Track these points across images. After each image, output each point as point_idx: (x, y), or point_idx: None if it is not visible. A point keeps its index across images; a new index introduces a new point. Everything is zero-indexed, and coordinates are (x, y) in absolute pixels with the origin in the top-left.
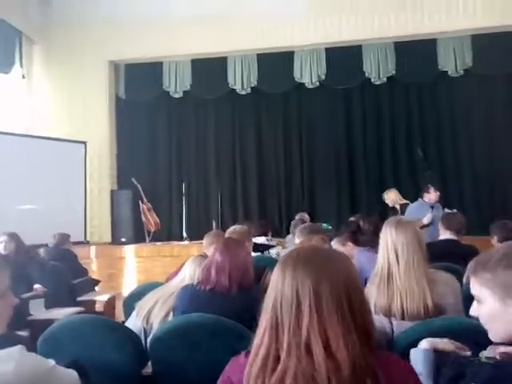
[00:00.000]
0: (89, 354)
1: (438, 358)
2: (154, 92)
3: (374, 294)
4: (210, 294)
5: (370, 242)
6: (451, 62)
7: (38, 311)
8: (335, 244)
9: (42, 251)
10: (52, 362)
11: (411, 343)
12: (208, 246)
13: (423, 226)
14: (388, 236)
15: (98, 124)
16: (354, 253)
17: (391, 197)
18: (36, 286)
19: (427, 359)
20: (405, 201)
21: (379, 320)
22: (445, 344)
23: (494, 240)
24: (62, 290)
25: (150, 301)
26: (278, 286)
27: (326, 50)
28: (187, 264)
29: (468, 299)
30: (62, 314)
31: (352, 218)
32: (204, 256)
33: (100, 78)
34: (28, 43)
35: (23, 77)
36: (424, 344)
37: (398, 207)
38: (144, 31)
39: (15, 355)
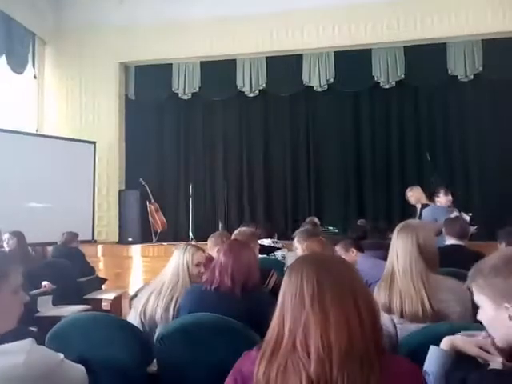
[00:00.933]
0: (95, 350)
1: (456, 362)
2: (163, 93)
3: (378, 295)
4: (215, 294)
5: (376, 247)
6: (461, 67)
7: (46, 308)
8: (339, 250)
9: (50, 249)
10: (61, 355)
11: (416, 347)
12: (212, 247)
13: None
14: (393, 239)
15: (107, 124)
16: (356, 259)
17: (415, 194)
18: (44, 283)
19: (441, 361)
20: (427, 201)
21: (383, 322)
22: (469, 347)
23: (502, 246)
24: (69, 288)
25: (144, 295)
26: (285, 284)
27: (335, 53)
28: (174, 253)
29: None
30: (69, 311)
31: (359, 222)
32: (209, 257)
33: (110, 79)
34: (41, 44)
35: (35, 77)
36: (445, 343)
37: (419, 206)
38: (154, 34)
39: (26, 348)
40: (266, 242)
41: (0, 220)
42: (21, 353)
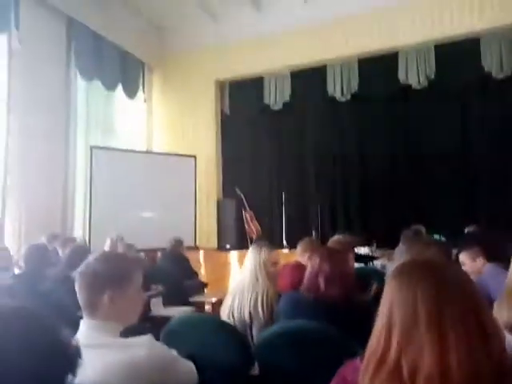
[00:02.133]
0: (203, 349)
1: None
2: (256, 106)
3: (499, 311)
4: (315, 303)
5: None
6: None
7: (158, 308)
8: (465, 257)
9: (159, 254)
10: (175, 351)
11: None
12: (302, 254)
13: None
14: None
15: (205, 139)
16: (483, 268)
17: None
18: (154, 286)
19: None
20: None
21: (507, 343)
22: None
23: None
24: (176, 291)
25: (229, 299)
26: (394, 294)
27: (436, 47)
28: (249, 254)
29: None
30: (177, 311)
31: (468, 229)
32: (298, 263)
33: (207, 96)
34: (149, 71)
35: (144, 100)
36: None
37: None
38: (245, 49)
39: (147, 343)
40: (363, 250)
41: (117, 228)
42: (143, 347)
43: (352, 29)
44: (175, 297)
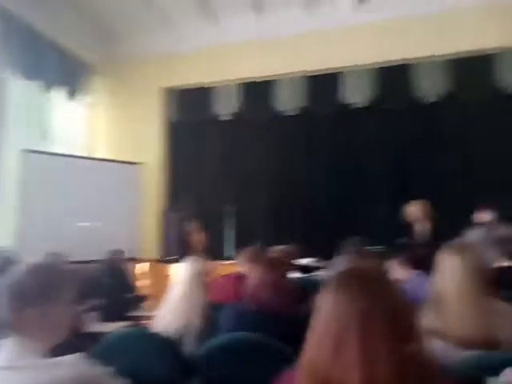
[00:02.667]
0: (138, 365)
1: None
2: (204, 115)
3: (427, 319)
4: (258, 314)
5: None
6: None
7: (92, 324)
8: (396, 266)
9: (96, 266)
10: (108, 369)
11: (468, 374)
12: (244, 264)
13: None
14: (443, 259)
15: (151, 147)
16: (408, 276)
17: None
18: (90, 300)
19: None
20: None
21: (432, 348)
22: None
23: None
24: (112, 305)
25: (162, 312)
26: (329, 303)
27: (377, 69)
28: (182, 266)
29: None
30: (113, 327)
31: (401, 240)
32: (239, 274)
33: (155, 103)
34: (93, 73)
35: (87, 104)
36: (508, 374)
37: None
38: (196, 59)
39: (76, 362)
40: (306, 261)
41: (53, 239)
42: (70, 366)
43: (300, 47)
44: (112, 311)
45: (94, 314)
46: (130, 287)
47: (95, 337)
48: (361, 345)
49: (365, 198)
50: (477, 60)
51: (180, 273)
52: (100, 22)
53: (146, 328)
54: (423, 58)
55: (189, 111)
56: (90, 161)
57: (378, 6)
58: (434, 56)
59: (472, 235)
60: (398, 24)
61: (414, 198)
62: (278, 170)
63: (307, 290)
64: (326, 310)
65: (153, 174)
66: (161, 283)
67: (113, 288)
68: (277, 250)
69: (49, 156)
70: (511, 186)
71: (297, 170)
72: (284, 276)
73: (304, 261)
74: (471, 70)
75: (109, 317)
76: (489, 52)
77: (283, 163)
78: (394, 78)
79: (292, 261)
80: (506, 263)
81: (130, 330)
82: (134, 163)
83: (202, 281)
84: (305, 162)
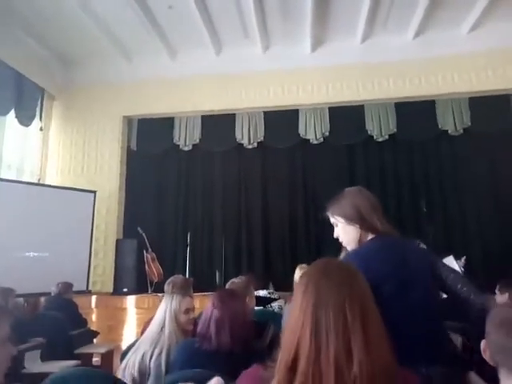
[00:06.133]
0: None
1: None
2: (165, 145)
3: None
4: (210, 351)
5: None
6: (450, 122)
7: (34, 364)
8: None
9: (43, 300)
10: None
11: None
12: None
13: None
14: None
15: (108, 174)
16: None
17: None
18: (33, 338)
19: None
20: None
21: None
22: None
23: (504, 298)
24: (59, 342)
25: (133, 349)
26: (299, 295)
27: (330, 108)
28: (161, 302)
29: None
30: (57, 367)
31: None
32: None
33: (113, 131)
34: (49, 99)
35: (41, 129)
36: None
37: None
38: (157, 89)
39: None
40: (262, 292)
41: None
42: None
43: (258, 84)
44: (58, 349)
45: (36, 352)
46: (80, 322)
47: (36, 379)
48: (339, 332)
49: (319, 227)
50: (419, 104)
51: (158, 311)
52: (59, 49)
53: (94, 368)
54: (372, 100)
55: (149, 140)
56: (40, 187)
57: (334, 51)
58: (382, 99)
59: None
60: (350, 68)
61: None
62: (235, 200)
63: (262, 323)
64: (315, 300)
65: (109, 202)
66: (114, 317)
67: (59, 323)
68: (233, 281)
69: None
70: None
71: (254, 200)
72: (237, 309)
73: (261, 292)
74: (414, 112)
75: (54, 355)
76: (429, 98)
77: (241, 193)
78: (345, 116)
79: (247, 292)
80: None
81: (76, 370)
82: (88, 191)
83: (180, 320)
84: (261, 193)
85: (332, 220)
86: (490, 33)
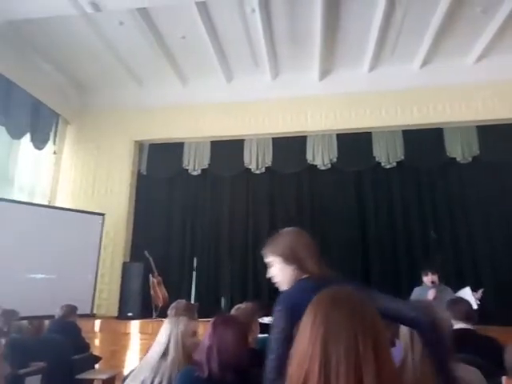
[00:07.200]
0: None
1: None
2: (174, 169)
3: None
4: (204, 381)
5: None
6: (458, 150)
7: None
8: None
9: (47, 323)
10: None
11: None
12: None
13: None
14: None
15: (118, 198)
16: None
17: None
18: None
19: None
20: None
21: None
22: None
23: None
24: (61, 366)
25: (136, 375)
26: (308, 325)
27: (338, 135)
28: (164, 325)
29: None
30: None
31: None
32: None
33: (124, 155)
34: (63, 123)
35: (54, 153)
36: None
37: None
38: (168, 115)
39: None
40: (267, 319)
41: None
42: None
43: (267, 111)
44: (59, 374)
45: (37, 377)
46: (83, 346)
47: None
48: (351, 365)
49: (328, 253)
50: (427, 132)
51: (161, 334)
52: (74, 75)
53: None
54: (380, 127)
55: (159, 165)
56: (50, 209)
57: (342, 79)
58: (390, 126)
59: (418, 294)
60: (358, 96)
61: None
62: (243, 225)
63: (264, 351)
64: (325, 332)
65: (117, 226)
66: (117, 342)
67: (61, 347)
68: (238, 307)
69: (8, 203)
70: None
71: (261, 225)
72: (227, 337)
73: (266, 319)
74: (422, 140)
75: (54, 380)
76: (437, 126)
77: (249, 218)
78: (353, 143)
79: (252, 319)
80: (458, 325)
81: None
82: (97, 213)
83: (186, 343)
84: (269, 217)
85: (268, 260)
86: (496, 63)
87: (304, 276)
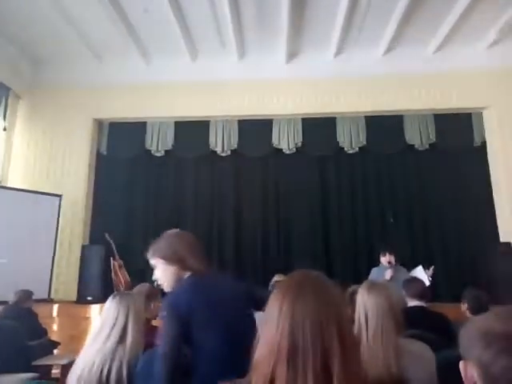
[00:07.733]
0: None
1: None
2: (136, 150)
3: None
4: None
5: None
6: (417, 137)
7: None
8: None
9: (0, 309)
10: None
11: None
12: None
13: None
14: (360, 299)
15: (75, 178)
16: None
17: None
18: None
19: None
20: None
21: None
22: None
23: (464, 307)
24: (16, 353)
25: (79, 364)
26: (275, 314)
27: (303, 119)
28: (115, 300)
29: (443, 370)
30: (12, 380)
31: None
32: None
33: (82, 134)
34: (14, 99)
35: (4, 129)
36: None
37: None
38: (130, 93)
39: None
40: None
41: None
42: None
43: (233, 92)
44: (14, 361)
45: None
46: (39, 332)
47: None
48: (316, 348)
49: (293, 244)
50: (388, 118)
51: (109, 316)
52: (28, 48)
53: (52, 380)
54: (344, 113)
55: (119, 145)
56: (2, 190)
57: (308, 63)
58: (353, 112)
59: (376, 274)
60: (323, 81)
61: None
62: (207, 207)
63: None
64: (275, 322)
65: (74, 207)
66: (76, 326)
67: (15, 333)
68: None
69: None
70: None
71: (226, 207)
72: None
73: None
74: (383, 126)
75: (9, 367)
76: (398, 113)
77: (214, 200)
78: (318, 128)
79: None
80: (413, 303)
81: (31, 383)
82: (53, 194)
83: (140, 327)
84: (234, 200)
85: (152, 262)
86: (453, 54)
87: (186, 275)
